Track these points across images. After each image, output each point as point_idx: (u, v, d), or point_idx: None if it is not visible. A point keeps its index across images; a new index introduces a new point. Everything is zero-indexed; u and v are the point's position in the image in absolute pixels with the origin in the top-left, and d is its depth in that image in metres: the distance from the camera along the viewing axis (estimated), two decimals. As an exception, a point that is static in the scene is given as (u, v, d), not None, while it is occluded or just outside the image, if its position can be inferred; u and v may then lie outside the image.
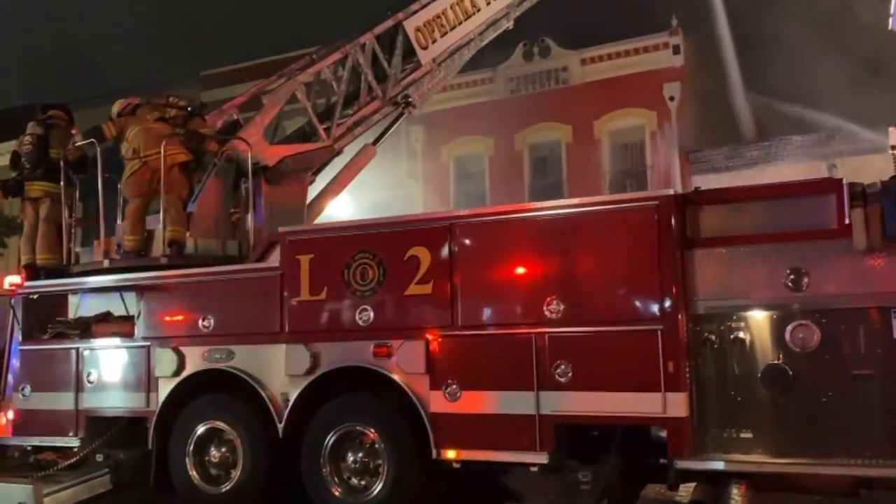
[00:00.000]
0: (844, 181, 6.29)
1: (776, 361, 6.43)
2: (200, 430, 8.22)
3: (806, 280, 6.40)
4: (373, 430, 7.44)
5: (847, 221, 6.24)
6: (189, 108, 9.41)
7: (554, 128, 25.13)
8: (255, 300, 8.09)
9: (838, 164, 18.75)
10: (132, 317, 8.68)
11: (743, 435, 6.53)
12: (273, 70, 11.19)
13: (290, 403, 7.73)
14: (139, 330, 8.56)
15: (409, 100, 11.01)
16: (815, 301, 6.37)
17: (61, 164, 9.25)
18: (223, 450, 8.16)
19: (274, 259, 8.06)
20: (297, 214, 9.44)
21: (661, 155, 23.20)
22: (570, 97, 24.64)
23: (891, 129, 8.24)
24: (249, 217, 9.05)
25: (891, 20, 6.17)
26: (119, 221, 9.19)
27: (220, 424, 8.14)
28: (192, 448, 8.23)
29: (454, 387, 7.14)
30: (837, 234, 6.30)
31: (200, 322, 8.23)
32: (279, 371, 7.83)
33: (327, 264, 7.73)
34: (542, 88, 25.51)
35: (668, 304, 6.60)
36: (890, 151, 8.26)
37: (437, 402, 7.18)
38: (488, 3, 11.92)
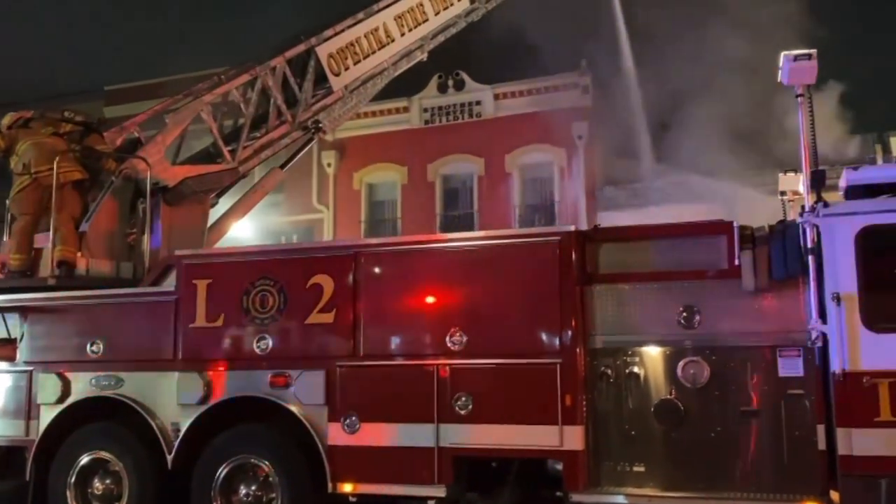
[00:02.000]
0: (735, 224, 6.55)
1: (668, 396, 6.60)
2: (84, 460, 7.81)
3: (698, 318, 6.61)
4: (267, 463, 7.22)
5: (737, 263, 6.49)
6: (86, 124, 9.05)
7: (466, 159, 25.41)
8: (148, 325, 7.79)
9: (735, 206, 19.55)
10: (14, 339, 8.21)
11: (636, 468, 6.65)
12: (181, 88, 10.92)
13: (182, 434, 7.44)
14: (21, 354, 8.11)
15: (320, 125, 10.92)
16: (705, 338, 6.58)
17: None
18: (108, 481, 7.77)
19: (169, 283, 7.79)
20: (196, 238, 9.18)
21: (568, 191, 23.77)
22: (483, 130, 24.99)
23: (780, 175, 8.64)
24: (146, 239, 8.73)
25: (780, 73, 6.48)
26: (5, 239, 8.74)
27: (106, 454, 7.75)
28: (73, 479, 7.80)
29: (353, 419, 7.02)
30: (728, 275, 6.54)
31: (88, 347, 7.86)
32: (171, 400, 7.55)
33: (225, 290, 7.52)
34: (455, 120, 25.80)
35: (566, 338, 6.69)
36: (779, 196, 8.64)
37: (336, 435, 7.04)
38: (403, 35, 12.00)
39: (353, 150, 25.27)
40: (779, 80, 6.56)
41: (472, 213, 24.98)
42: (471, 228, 24.11)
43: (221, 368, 7.47)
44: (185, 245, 8.38)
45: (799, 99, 6.50)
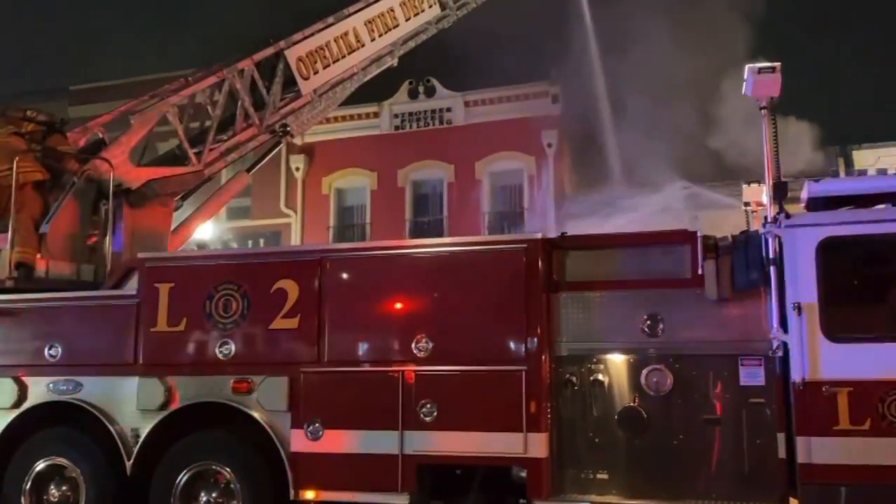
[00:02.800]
0: (699, 234, 6.60)
1: (632, 404, 6.62)
2: (40, 466, 7.63)
3: (661, 326, 6.65)
4: (228, 470, 7.12)
5: (700, 272, 6.53)
6: (48, 124, 8.89)
7: (437, 166, 25.42)
8: (109, 329, 7.65)
9: (699, 216, 19.73)
10: (-31, 342, 8.01)
11: (599, 476, 6.67)
12: (147, 89, 10.78)
13: (141, 439, 7.31)
14: (-23, 357, 7.90)
15: (287, 129, 10.86)
16: (669, 346, 6.62)
17: None
18: (64, 488, 7.60)
19: (131, 286, 7.67)
20: (159, 241, 9.06)
21: (537, 198, 23.87)
22: (454, 137, 25.02)
23: (744, 186, 8.74)
24: (107, 241, 8.58)
25: (744, 85, 6.56)
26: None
27: (62, 461, 7.58)
28: (29, 486, 7.62)
29: (317, 425, 6.95)
30: (691, 284, 6.59)
31: (46, 351, 7.70)
32: (130, 405, 7.41)
33: (188, 294, 7.42)
34: (426, 127, 25.81)
35: (532, 345, 6.69)
36: (743, 207, 8.75)
37: (298, 441, 6.96)
38: (373, 40, 11.98)
39: (322, 154, 25.16)
40: (743, 92, 6.64)
41: (441, 219, 24.98)
42: (440, 235, 24.13)
43: (183, 373, 7.36)
44: (147, 248, 8.25)
45: (763, 111, 6.57)
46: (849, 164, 21.26)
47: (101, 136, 9.86)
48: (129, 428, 7.40)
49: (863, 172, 21.18)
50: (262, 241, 24.34)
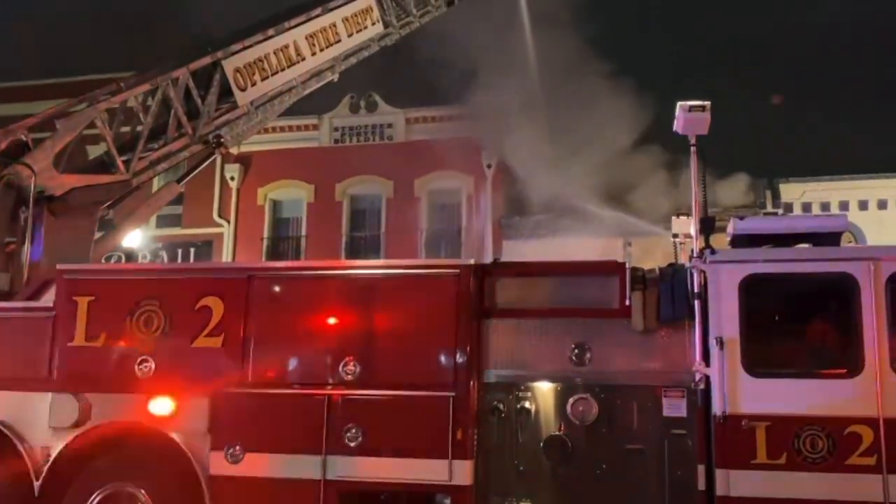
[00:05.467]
0: (627, 265, 6.70)
1: (557, 432, 6.65)
2: (-60, 484, 7.24)
3: (588, 355, 6.71)
4: (143, 492, 6.87)
5: (627, 303, 6.62)
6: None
7: (375, 181, 25.28)
8: (22, 342, 7.34)
9: (633, 241, 20.14)
10: None
11: (524, 504, 6.66)
12: (81, 90, 10.41)
13: (52, 458, 7.02)
14: None
15: (221, 140, 10.64)
16: (595, 376, 6.68)
17: None
18: (-34, 509, 7.23)
19: (48, 298, 7.40)
20: (82, 251, 8.75)
21: (475, 219, 23.96)
22: (394, 153, 24.94)
23: (674, 218, 8.94)
24: (25, 250, 8.25)
25: (675, 122, 6.71)
26: None
27: (-36, 479, 7.21)
28: (-77, 507, 7.23)
29: (237, 448, 6.77)
30: (619, 314, 6.68)
31: (-47, 363, 7.33)
32: (42, 422, 7.10)
33: (108, 308, 7.17)
34: (366, 141, 25.69)
35: (461, 371, 6.67)
36: (672, 239, 8.94)
37: (218, 464, 6.78)
38: (314, 54, 11.86)
39: (258, 164, 24.76)
40: (674, 129, 6.78)
41: (378, 235, 24.83)
42: (377, 250, 23.98)
43: (99, 391, 7.09)
44: (69, 258, 7.94)
45: (692, 148, 6.72)
46: (776, 196, 21.93)
47: (24, 139, 9.48)
48: (40, 446, 7.10)
49: (789, 205, 21.91)
50: (192, 251, 23.79)
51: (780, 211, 21.57)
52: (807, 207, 21.88)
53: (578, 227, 21.96)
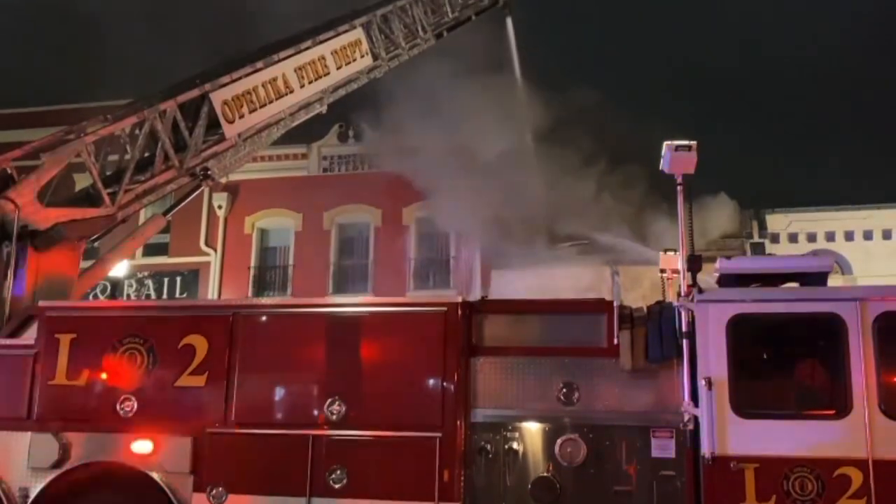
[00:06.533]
0: (615, 303, 6.66)
1: (545, 474, 6.56)
2: (-86, 527, 7.09)
3: (577, 395, 6.65)
4: (123, 534, 6.75)
5: (615, 342, 6.58)
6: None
7: (364, 210, 25.23)
8: (2, 380, 7.24)
9: (620, 270, 20.06)
10: None
11: (511, 547, 6.55)
12: (67, 119, 10.34)
13: (30, 499, 6.90)
14: None
15: (208, 172, 10.59)
16: (583, 416, 6.61)
17: None
18: (-60, 551, 7.07)
19: (30, 335, 7.30)
20: (65, 286, 8.63)
21: (464, 247, 23.92)
22: (382, 182, 24.94)
23: (661, 253, 8.92)
24: (7, 285, 8.14)
25: (662, 161, 6.72)
26: None
27: (-61, 521, 7.07)
28: None
29: (220, 489, 6.66)
30: (607, 353, 6.63)
31: (-72, 401, 7.20)
32: (21, 462, 6.99)
33: (90, 346, 7.09)
34: (355, 170, 25.68)
35: (447, 411, 6.60)
36: (660, 274, 8.91)
37: (200, 506, 6.65)
38: (303, 86, 11.88)
39: (246, 193, 24.68)
40: (660, 167, 6.79)
41: (367, 263, 24.74)
42: (365, 279, 23.86)
43: (80, 430, 6.98)
44: (52, 294, 7.87)
45: (679, 187, 6.73)
46: (762, 227, 22.02)
47: (9, 171, 9.39)
48: (18, 486, 6.98)
49: (775, 236, 21.98)
50: (178, 280, 23.62)
51: (767, 241, 21.63)
52: (793, 238, 21.96)
53: (567, 256, 21.97)
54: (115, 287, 20.95)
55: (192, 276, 23.73)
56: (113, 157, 10.20)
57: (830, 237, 21.57)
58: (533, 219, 19.89)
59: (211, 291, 23.63)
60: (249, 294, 23.78)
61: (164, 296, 23.56)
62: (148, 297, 23.52)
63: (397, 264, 24.10)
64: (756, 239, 21.61)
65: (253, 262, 24.50)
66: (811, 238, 21.73)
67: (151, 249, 22.40)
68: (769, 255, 19.25)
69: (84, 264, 9.54)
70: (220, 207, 24.59)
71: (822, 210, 21.92)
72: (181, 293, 23.66)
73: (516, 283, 20.55)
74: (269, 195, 24.76)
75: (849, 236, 21.47)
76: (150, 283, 23.47)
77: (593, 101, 18.15)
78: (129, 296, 23.30)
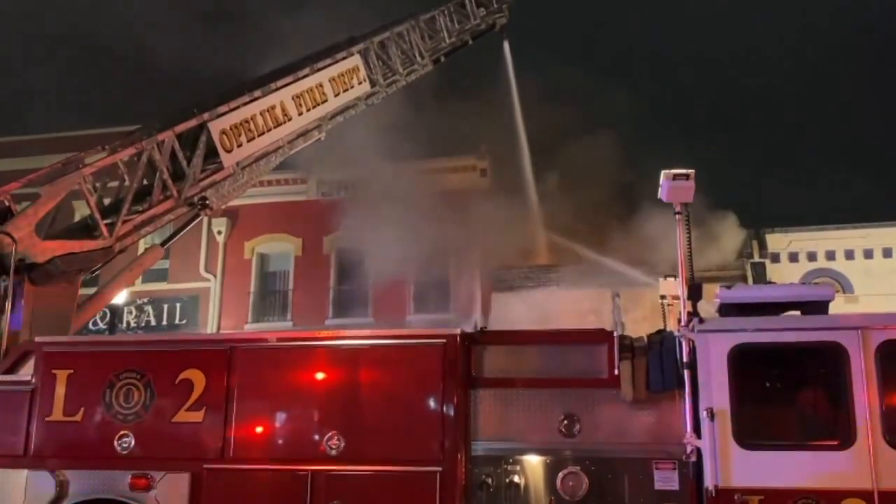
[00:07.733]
0: (615, 334, 6.61)
1: (547, 508, 6.48)
2: None
3: (578, 426, 6.59)
4: (121, 573, 6.66)
5: (616, 372, 6.52)
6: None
7: (363, 234, 25.22)
8: None
9: (622, 293, 20.02)
10: None
11: (513, 582, 6.46)
12: (67, 146, 10.30)
13: (27, 538, 6.80)
14: None
15: (207, 202, 10.56)
16: (585, 448, 6.55)
17: None
18: (-65, 592, 6.98)
19: (27, 371, 7.24)
20: (63, 320, 8.55)
21: (464, 271, 23.87)
22: (382, 205, 24.93)
23: (661, 279, 8.89)
24: (4, 319, 8.07)
25: (660, 190, 6.70)
26: None
27: (-65, 561, 6.98)
28: None
29: (218, 526, 6.58)
30: (608, 384, 6.58)
31: (-76, 439, 7.13)
32: (18, 500, 6.93)
33: (88, 382, 7.05)
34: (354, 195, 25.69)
35: (448, 445, 6.54)
36: (660, 300, 8.88)
37: (198, 543, 6.58)
38: (301, 114, 11.88)
39: (246, 218, 24.68)
40: (658, 196, 6.77)
41: (367, 287, 24.67)
42: (365, 304, 23.78)
43: (77, 467, 6.92)
44: (49, 328, 7.81)
45: (677, 216, 6.70)
46: (762, 246, 21.98)
47: (7, 203, 9.37)
48: (14, 525, 6.88)
49: (776, 255, 21.93)
50: (178, 306, 23.56)
51: (767, 261, 21.58)
52: (793, 257, 21.92)
53: (567, 279, 21.95)
54: (115, 314, 20.91)
55: (192, 302, 23.68)
56: (112, 184, 10.17)
57: (831, 256, 21.53)
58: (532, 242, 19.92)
59: (211, 317, 23.57)
60: (249, 319, 23.73)
61: (164, 322, 23.50)
62: (147, 323, 23.46)
63: (397, 289, 24.02)
64: (756, 259, 21.57)
65: (253, 287, 24.46)
66: (812, 257, 21.70)
67: (151, 276, 22.33)
68: (770, 282, 19.24)
69: (83, 291, 9.51)
70: (219, 233, 24.60)
71: (822, 229, 21.89)
72: (181, 319, 23.61)
73: (517, 307, 20.53)
74: (269, 220, 24.77)
75: (849, 255, 21.42)
76: (149, 309, 23.42)
77: (586, 122, 18.21)
78: (128, 322, 23.26)
